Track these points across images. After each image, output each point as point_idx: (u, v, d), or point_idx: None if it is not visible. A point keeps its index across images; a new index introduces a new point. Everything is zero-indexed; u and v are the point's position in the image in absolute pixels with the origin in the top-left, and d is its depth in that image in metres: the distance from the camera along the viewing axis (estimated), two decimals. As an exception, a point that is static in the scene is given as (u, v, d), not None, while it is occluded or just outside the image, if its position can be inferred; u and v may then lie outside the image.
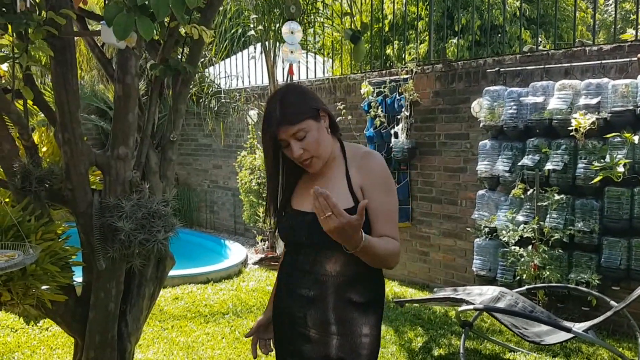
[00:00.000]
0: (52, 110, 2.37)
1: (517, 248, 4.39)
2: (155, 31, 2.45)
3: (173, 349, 3.87)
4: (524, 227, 4.34)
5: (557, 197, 4.18)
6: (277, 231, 1.81)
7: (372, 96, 5.61)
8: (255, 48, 7.18)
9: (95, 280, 2.45)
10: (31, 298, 2.18)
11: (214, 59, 6.82)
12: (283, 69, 6.43)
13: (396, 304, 4.30)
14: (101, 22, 2.07)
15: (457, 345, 3.86)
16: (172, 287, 5.28)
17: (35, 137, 2.61)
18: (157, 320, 4.44)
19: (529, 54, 4.67)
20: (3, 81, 2.39)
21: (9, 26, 1.99)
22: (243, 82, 7.84)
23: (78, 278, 2.58)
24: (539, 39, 6.65)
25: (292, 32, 4.11)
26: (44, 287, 2.25)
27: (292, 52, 4.13)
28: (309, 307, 1.66)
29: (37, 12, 2.05)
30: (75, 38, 2.54)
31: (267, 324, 1.91)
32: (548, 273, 4.17)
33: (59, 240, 2.31)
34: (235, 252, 6.67)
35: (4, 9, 1.94)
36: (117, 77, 2.30)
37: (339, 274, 1.64)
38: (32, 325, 4.22)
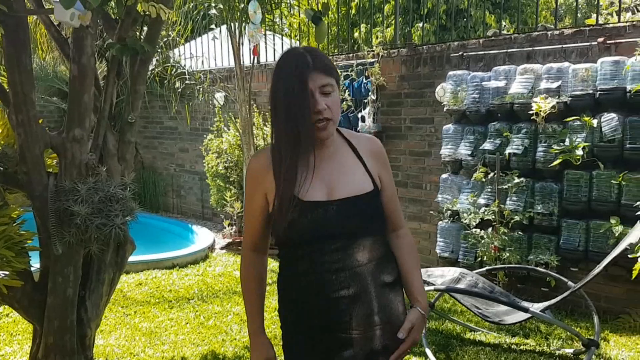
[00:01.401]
0: (5, 91, 2.30)
1: (478, 230, 4.48)
2: (111, 8, 2.39)
3: (135, 335, 3.83)
4: (485, 210, 4.42)
5: (517, 180, 4.27)
6: (289, 230, 1.53)
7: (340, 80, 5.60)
8: (220, 29, 7.07)
9: (53, 266, 2.41)
10: (-16, 284, 2.13)
11: (177, 39, 6.68)
12: (249, 50, 6.36)
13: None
14: (54, -1, 2.01)
15: (420, 326, 3.92)
16: (135, 272, 5.22)
17: (-12, 119, 2.53)
18: (120, 306, 4.38)
19: (492, 38, 4.72)
20: (-50, 60, 2.30)
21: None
22: (209, 64, 7.72)
23: (36, 264, 2.53)
24: (504, 24, 6.73)
25: (254, 12, 4.07)
26: (-2, 273, 2.19)
27: (254, 32, 4.10)
28: (354, 306, 1.53)
29: (-14, -12, 1.98)
30: (36, 18, 2.46)
31: (270, 349, 1.69)
32: (508, 254, 4.26)
33: (14, 224, 2.26)
34: (202, 237, 6.61)
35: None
36: (73, 57, 2.24)
37: (370, 260, 1.56)
38: (-10, 312, 4.14)
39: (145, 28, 2.50)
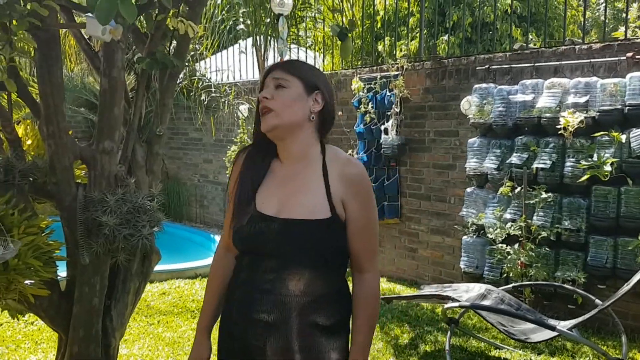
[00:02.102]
0: (37, 103, 2.35)
1: (504, 246, 4.41)
2: (142, 23, 2.43)
3: (159, 345, 3.85)
4: (512, 225, 4.36)
5: (544, 195, 4.20)
6: (234, 235, 1.53)
7: (363, 92, 5.60)
8: (245, 42, 7.15)
9: (80, 275, 2.44)
10: (13, 292, 2.16)
11: (204, 52, 6.78)
12: (274, 62, 6.40)
13: (383, 300, 4.31)
14: (87, 14, 2.05)
15: (443, 342, 3.87)
16: (159, 282, 5.26)
17: (21, 130, 2.59)
18: (144, 316, 4.42)
19: (519, 51, 4.68)
20: (-14, 73, 2.35)
21: (-8, 17, 1.96)
22: (234, 76, 7.80)
23: (63, 272, 2.56)
24: (530, 37, 6.68)
25: (282, 28, 4.12)
26: (26, 282, 2.23)
27: (281, 47, 4.16)
28: (269, 334, 1.44)
29: (22, 4, 2.03)
30: (65, 30, 2.52)
31: (207, 350, 1.67)
32: (535, 271, 4.19)
33: (43, 234, 2.29)
34: (224, 247, 6.63)
35: (-15, 0, 1.91)
36: (103, 71, 2.28)
37: (303, 293, 1.44)
38: (17, 320, 4.20)
39: (174, 42, 2.53)
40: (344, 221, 1.50)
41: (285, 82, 1.51)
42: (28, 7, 1.98)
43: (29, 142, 2.65)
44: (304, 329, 1.45)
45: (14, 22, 1.95)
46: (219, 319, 1.65)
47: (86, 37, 2.58)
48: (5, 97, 2.35)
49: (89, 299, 2.47)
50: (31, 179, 2.25)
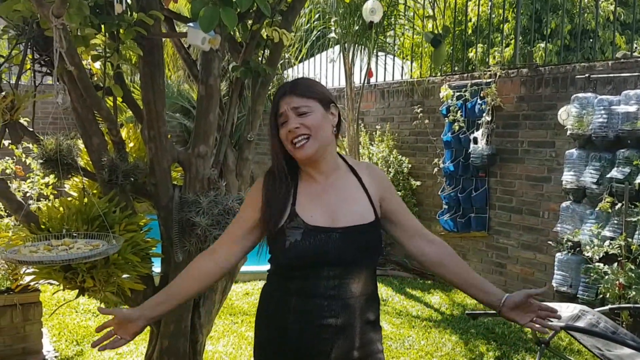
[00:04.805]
0: (139, 107, 2.49)
1: (602, 265, 4.14)
2: (238, 33, 2.52)
3: (242, 343, 3.95)
4: (610, 243, 4.09)
5: (649, 213, 3.91)
6: (287, 253, 1.52)
7: (452, 100, 5.48)
8: (333, 51, 7.22)
9: (172, 272, 2.55)
10: (112, 285, 2.30)
11: (292, 60, 6.91)
12: (361, 70, 6.42)
13: (468, 316, 4.17)
14: (188, 24, 2.15)
15: (532, 363, 3.69)
16: (243, 282, 5.40)
17: (123, 133, 2.75)
18: (228, 314, 4.55)
19: (622, 60, 4.40)
20: (95, 79, 2.53)
21: (102, 26, 2.10)
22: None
23: (157, 269, 2.69)
24: (634, 45, 6.26)
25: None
26: (124, 276, 2.36)
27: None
28: (337, 337, 1.50)
29: (129, 14, 2.16)
30: (164, 40, 2.66)
31: (136, 320, 1.56)
32: (634, 293, 3.90)
33: (141, 232, 2.42)
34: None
35: (97, 10, 2.05)
36: (201, 78, 2.38)
37: (362, 293, 1.55)
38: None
39: (266, 51, 2.60)
40: (380, 220, 1.62)
41: (307, 107, 1.52)
42: (135, 16, 2.10)
43: (131, 144, 2.82)
44: (363, 327, 1.55)
45: (122, 30, 2.09)
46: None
47: (186, 46, 2.71)
48: (111, 102, 2.51)
49: (180, 295, 2.57)
50: (132, 179, 2.38)
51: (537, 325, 1.62)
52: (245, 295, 5.07)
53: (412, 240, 1.67)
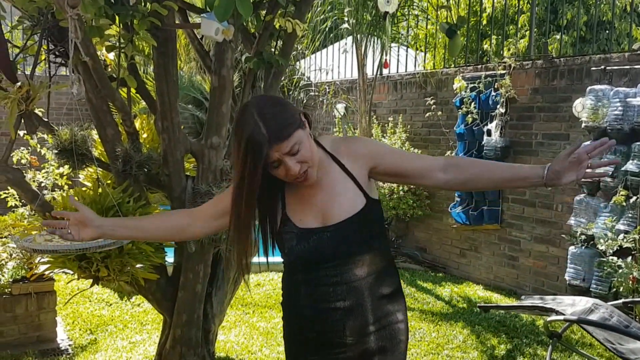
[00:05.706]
0: (153, 99, 2.50)
1: (615, 258, 4.10)
2: (251, 23, 2.51)
3: (253, 334, 3.98)
4: (624, 237, 4.05)
5: (665, 206, 3.87)
6: (286, 254, 1.59)
7: (465, 91, 5.43)
8: (346, 42, 7.18)
9: (185, 262, 2.57)
10: (126, 275, 2.32)
11: (305, 52, 6.89)
12: (373, 61, 6.39)
13: (480, 309, 4.16)
14: (201, 15, 2.15)
15: (543, 356, 3.67)
16: (254, 273, 5.42)
17: (137, 124, 2.77)
18: (240, 305, 4.58)
19: (638, 52, 4.33)
20: (109, 69, 2.54)
21: (117, 17, 2.11)
22: (332, 75, 7.87)
23: (170, 259, 2.72)
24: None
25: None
26: (138, 266, 2.38)
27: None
28: (348, 318, 1.57)
29: (143, 4, 2.16)
30: (176, 31, 2.66)
31: (94, 227, 1.55)
32: (650, 288, 3.87)
33: (154, 222, 2.43)
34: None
35: (112, 1, 2.05)
36: (214, 69, 2.39)
37: (369, 273, 1.58)
38: (125, 301, 4.50)
39: (279, 42, 2.59)
40: (373, 197, 1.59)
41: (295, 144, 1.44)
42: (148, 7, 2.11)
43: (145, 135, 2.83)
44: (375, 303, 1.59)
45: (136, 21, 2.09)
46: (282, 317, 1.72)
47: (199, 37, 2.71)
48: (125, 93, 2.52)
49: (193, 285, 2.60)
50: (146, 169, 2.40)
51: (598, 170, 1.56)
52: (256, 286, 5.10)
53: (425, 179, 1.61)
